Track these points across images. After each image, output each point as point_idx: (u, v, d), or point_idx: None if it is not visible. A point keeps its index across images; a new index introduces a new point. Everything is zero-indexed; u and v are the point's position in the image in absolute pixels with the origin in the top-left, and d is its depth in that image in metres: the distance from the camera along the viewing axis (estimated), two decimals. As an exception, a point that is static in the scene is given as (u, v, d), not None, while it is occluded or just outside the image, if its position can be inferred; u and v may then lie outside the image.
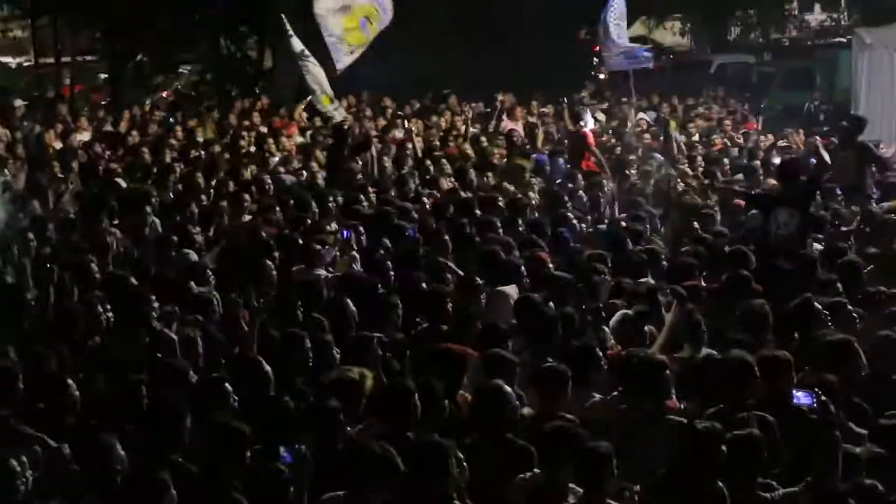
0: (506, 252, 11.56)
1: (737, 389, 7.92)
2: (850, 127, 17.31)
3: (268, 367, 8.32)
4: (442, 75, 31.06)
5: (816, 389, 7.35)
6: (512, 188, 15.71)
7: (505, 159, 18.86)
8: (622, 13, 21.65)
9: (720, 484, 6.88)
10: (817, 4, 45.67)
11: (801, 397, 7.32)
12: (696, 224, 13.60)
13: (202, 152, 19.83)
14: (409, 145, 19.50)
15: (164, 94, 31.07)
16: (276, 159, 19.46)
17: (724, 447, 6.90)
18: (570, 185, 16.21)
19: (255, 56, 34.44)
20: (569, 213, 14.00)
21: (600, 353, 8.71)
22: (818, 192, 13.70)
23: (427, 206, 14.70)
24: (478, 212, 13.86)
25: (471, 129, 22.70)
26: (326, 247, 12.26)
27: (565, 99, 24.53)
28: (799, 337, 9.26)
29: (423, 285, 10.62)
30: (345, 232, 12.61)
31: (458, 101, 27.54)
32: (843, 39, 33.57)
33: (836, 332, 8.82)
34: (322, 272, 11.71)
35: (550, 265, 11.45)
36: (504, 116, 23.56)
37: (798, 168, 13.22)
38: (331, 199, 14.46)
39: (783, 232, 12.25)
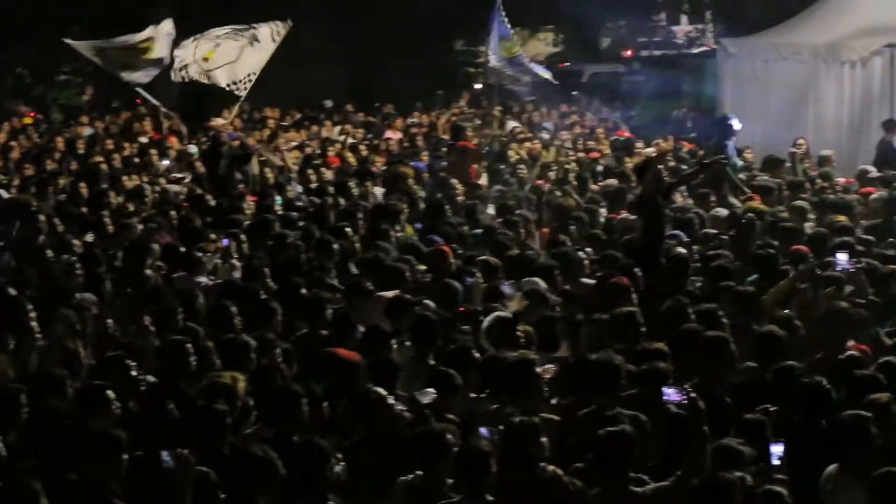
0: (388, 258, 11.72)
1: (605, 389, 8.19)
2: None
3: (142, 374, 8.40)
4: (322, 86, 31.13)
5: (686, 387, 7.59)
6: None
7: (385, 167, 19.04)
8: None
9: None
10: (684, 16, 46.50)
11: (670, 394, 7.54)
12: (570, 227, 13.94)
13: (82, 162, 19.74)
14: (284, 156, 19.57)
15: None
16: (162, 167, 19.44)
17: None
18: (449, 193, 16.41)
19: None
20: (449, 220, 14.23)
21: (476, 355, 8.88)
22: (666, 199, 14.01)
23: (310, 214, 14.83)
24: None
25: (351, 139, 22.81)
26: (207, 254, 12.32)
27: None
28: (671, 337, 9.49)
29: (304, 291, 10.73)
30: (224, 240, 12.71)
31: (338, 110, 27.62)
32: (710, 49, 34.27)
33: (707, 331, 9.06)
34: (203, 279, 11.79)
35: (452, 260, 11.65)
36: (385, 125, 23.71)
37: (648, 167, 13.51)
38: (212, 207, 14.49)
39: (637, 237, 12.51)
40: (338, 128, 25.63)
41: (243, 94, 19.10)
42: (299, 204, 15.63)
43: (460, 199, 16.07)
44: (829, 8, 24.35)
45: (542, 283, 10.99)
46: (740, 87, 25.50)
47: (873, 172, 17.35)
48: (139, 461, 7.20)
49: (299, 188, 16.98)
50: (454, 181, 17.05)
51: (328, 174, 18.56)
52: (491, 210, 15.56)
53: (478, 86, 34.96)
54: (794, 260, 11.81)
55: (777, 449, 7.39)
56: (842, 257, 11.25)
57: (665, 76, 34.51)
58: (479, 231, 13.85)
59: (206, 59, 18.93)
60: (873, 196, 15.48)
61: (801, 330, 9.99)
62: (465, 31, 37.45)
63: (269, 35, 19.13)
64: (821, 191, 16.30)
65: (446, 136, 21.35)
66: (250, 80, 18.92)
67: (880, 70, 22.66)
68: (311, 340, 9.78)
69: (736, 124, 18.40)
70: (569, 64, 38.84)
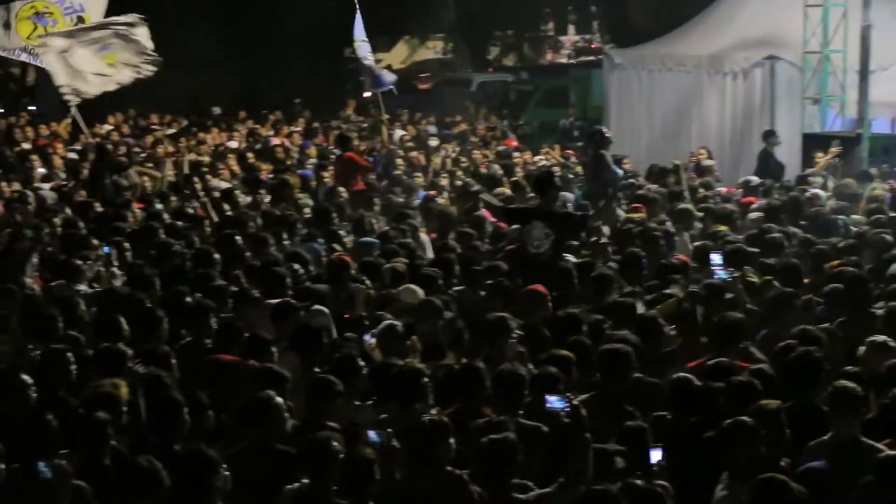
0: (276, 266, 11.71)
1: (472, 395, 8.29)
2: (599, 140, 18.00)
3: (29, 381, 8.26)
4: (210, 92, 30.93)
5: (568, 394, 7.66)
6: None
7: (271, 175, 18.97)
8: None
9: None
10: (572, 26, 46.94)
11: (553, 401, 7.61)
12: (468, 232, 14.02)
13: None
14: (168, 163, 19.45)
15: None
16: (39, 174, 19.15)
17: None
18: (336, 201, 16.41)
19: (19, 74, 33.68)
20: (336, 228, 14.22)
21: (361, 362, 8.91)
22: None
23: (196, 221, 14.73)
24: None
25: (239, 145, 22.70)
26: (88, 262, 12.18)
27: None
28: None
29: (188, 299, 10.66)
30: (105, 248, 12.58)
31: (226, 117, 27.46)
32: (596, 59, 34.65)
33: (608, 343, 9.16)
34: (84, 287, 11.64)
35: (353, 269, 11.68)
36: (271, 132, 23.60)
37: (552, 181, 13.59)
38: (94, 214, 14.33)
39: (537, 250, 12.56)
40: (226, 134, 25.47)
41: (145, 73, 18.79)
42: (189, 212, 15.49)
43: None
44: (712, 20, 24.78)
45: (420, 292, 11.03)
46: (626, 97, 25.84)
47: (755, 181, 17.67)
48: (16, 472, 7.09)
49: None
50: (341, 189, 17.05)
51: (215, 181, 18.42)
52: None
53: (367, 94, 34.96)
54: (675, 270, 11.97)
55: (656, 455, 7.48)
56: (716, 258, 11.47)
57: (552, 85, 34.85)
58: (366, 240, 13.84)
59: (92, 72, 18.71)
60: (754, 206, 15.77)
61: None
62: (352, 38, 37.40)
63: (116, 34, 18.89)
64: (702, 200, 16.54)
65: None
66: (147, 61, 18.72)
67: (761, 81, 23.09)
68: (195, 348, 9.70)
69: (609, 134, 18.65)
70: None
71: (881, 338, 9.21)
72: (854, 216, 15.25)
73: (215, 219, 15.28)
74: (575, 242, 13.35)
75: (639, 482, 6.86)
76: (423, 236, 14.71)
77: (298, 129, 27.02)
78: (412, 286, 11.20)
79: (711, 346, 9.58)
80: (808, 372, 8.37)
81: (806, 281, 11.70)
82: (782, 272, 11.63)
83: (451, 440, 7.34)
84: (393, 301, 10.96)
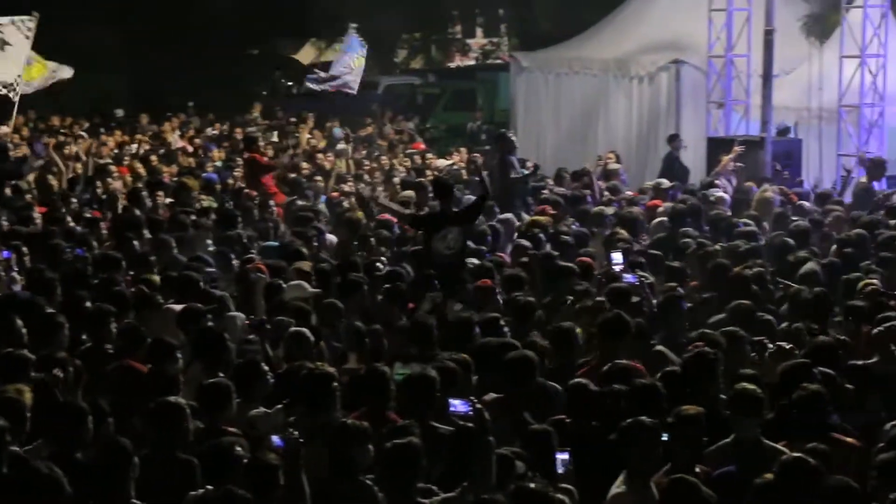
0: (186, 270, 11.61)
1: (377, 399, 8.27)
2: (504, 144, 18.06)
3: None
4: (114, 94, 30.58)
5: (472, 398, 7.64)
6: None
7: (175, 178, 18.78)
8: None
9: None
10: (479, 29, 47.05)
11: (457, 405, 7.59)
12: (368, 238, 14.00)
13: None
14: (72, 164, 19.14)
15: None
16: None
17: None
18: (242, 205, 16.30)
19: None
20: (241, 231, 14.10)
21: (265, 367, 8.83)
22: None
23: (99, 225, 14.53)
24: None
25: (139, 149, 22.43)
26: (-13, 267, 11.97)
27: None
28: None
29: (88, 304, 10.49)
30: (5, 252, 12.34)
31: (130, 119, 27.16)
32: (503, 62, 34.78)
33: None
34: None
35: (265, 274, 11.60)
36: (177, 135, 23.37)
37: (450, 186, 13.67)
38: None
39: (449, 251, 12.60)
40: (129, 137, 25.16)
41: (16, 97, 18.50)
42: (87, 216, 15.28)
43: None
44: (618, 24, 24.97)
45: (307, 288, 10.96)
46: (533, 101, 25.99)
47: (665, 184, 17.83)
48: None
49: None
50: (248, 192, 16.93)
51: (117, 184, 18.17)
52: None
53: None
54: (580, 271, 12.04)
55: (563, 458, 7.49)
56: (616, 257, 11.54)
57: (460, 89, 34.89)
58: (268, 244, 13.74)
59: None
60: (660, 209, 15.89)
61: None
62: (258, 41, 37.31)
63: (18, 32, 18.57)
64: (608, 203, 16.64)
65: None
66: (17, 84, 18.38)
67: (666, 85, 23.34)
68: (95, 354, 9.56)
69: (514, 138, 18.73)
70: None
71: (785, 344, 9.29)
72: (744, 219, 15.44)
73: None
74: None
75: (531, 485, 6.84)
76: (331, 238, 14.66)
77: (216, 132, 26.80)
78: (300, 282, 11.16)
79: (602, 346, 9.60)
80: (707, 374, 8.44)
81: (694, 284, 11.80)
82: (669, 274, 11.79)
83: (370, 446, 7.31)
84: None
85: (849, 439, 7.85)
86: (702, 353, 8.72)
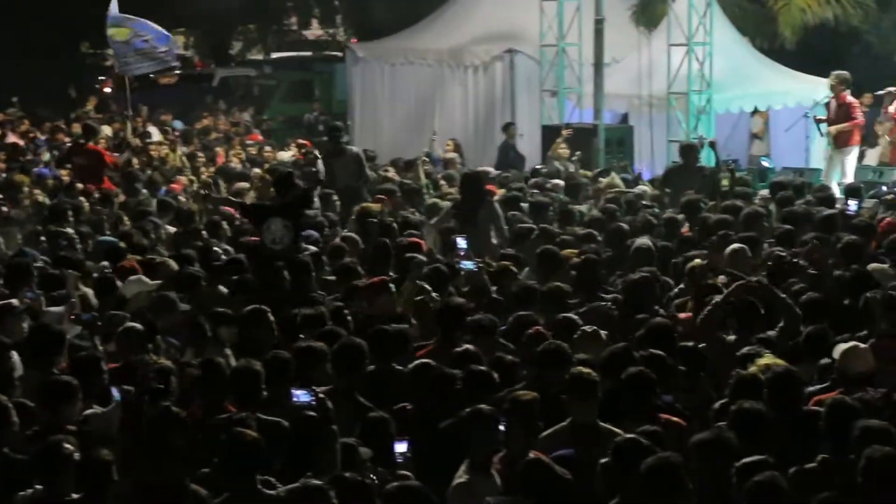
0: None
1: (213, 391, 8.23)
2: (337, 135, 18.03)
3: None
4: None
5: (314, 387, 7.64)
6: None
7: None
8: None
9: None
10: (315, 20, 46.89)
11: (299, 395, 7.58)
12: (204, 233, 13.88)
13: None
14: None
15: None
16: None
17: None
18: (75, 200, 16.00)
19: None
20: (68, 230, 13.85)
21: (103, 365, 8.71)
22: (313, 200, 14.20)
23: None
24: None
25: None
26: None
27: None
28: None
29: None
30: None
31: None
32: (340, 54, 34.73)
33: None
34: None
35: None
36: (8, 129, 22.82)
37: (291, 179, 13.62)
38: None
39: (278, 246, 12.52)
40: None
41: None
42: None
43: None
44: (452, 14, 25.11)
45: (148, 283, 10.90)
46: (369, 91, 26.01)
47: (494, 173, 17.99)
48: None
49: None
50: (81, 187, 16.63)
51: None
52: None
53: (107, 89, 34.23)
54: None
55: (401, 447, 7.54)
56: (461, 242, 11.63)
57: (297, 80, 34.74)
58: (103, 239, 13.53)
59: None
60: (496, 197, 16.03)
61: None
62: (91, 34, 36.63)
63: None
64: (445, 195, 16.74)
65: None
66: None
67: (501, 74, 23.57)
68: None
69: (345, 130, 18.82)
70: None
71: (589, 328, 9.40)
72: (583, 206, 15.68)
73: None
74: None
75: (346, 474, 6.90)
76: (170, 229, 14.51)
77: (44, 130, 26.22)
78: (139, 277, 11.09)
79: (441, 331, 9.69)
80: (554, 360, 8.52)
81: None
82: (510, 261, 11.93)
83: (188, 435, 7.28)
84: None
85: (675, 419, 8.01)
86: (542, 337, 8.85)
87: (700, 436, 7.18)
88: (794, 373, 8.09)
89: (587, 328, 9.36)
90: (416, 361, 8.62)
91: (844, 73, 18.40)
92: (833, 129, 18.07)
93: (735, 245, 11.56)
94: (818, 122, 18.36)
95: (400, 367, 8.95)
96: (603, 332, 9.34)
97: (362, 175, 17.39)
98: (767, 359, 8.41)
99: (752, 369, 8.27)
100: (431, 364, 8.55)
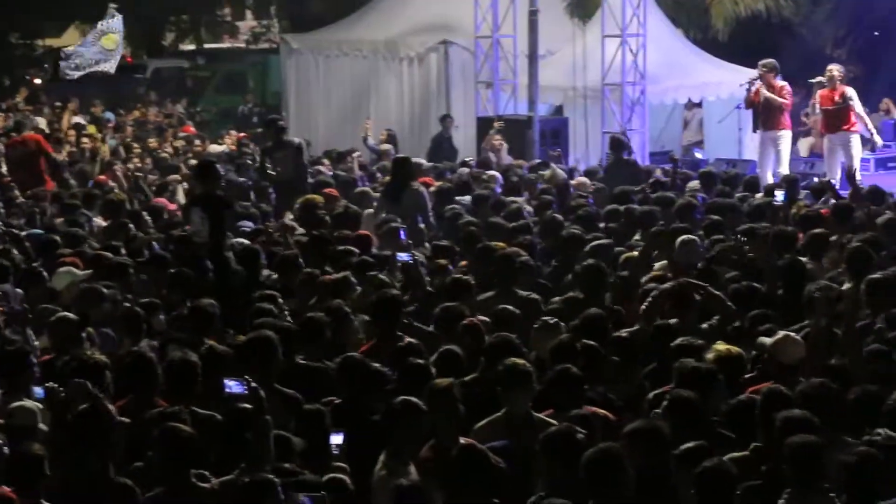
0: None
1: (144, 385, 8.15)
2: (278, 128, 17.91)
3: None
4: None
5: (247, 377, 7.58)
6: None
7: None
8: None
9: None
10: (249, 11, 46.63)
11: (232, 386, 7.52)
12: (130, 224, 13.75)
13: None
14: None
15: None
16: None
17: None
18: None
19: None
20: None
21: (33, 359, 8.60)
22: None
23: None
24: None
25: None
26: None
27: None
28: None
29: None
30: None
31: None
32: (274, 45, 34.59)
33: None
34: None
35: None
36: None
37: (213, 169, 13.45)
38: None
39: (197, 238, 12.40)
40: None
41: None
42: None
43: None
44: (387, 5, 25.07)
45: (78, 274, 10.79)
46: (304, 83, 25.92)
47: (425, 164, 17.99)
48: None
49: None
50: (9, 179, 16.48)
51: None
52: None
53: (37, 81, 33.88)
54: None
55: (336, 439, 7.50)
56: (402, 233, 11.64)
57: (230, 71, 34.56)
58: (34, 232, 13.39)
59: None
60: (432, 189, 16.01)
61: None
62: (20, 24, 36.27)
63: None
64: (377, 188, 16.70)
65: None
66: None
67: (436, 66, 23.54)
68: None
69: (282, 122, 18.70)
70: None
71: (550, 319, 9.45)
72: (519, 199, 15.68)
73: None
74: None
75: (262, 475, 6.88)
76: (99, 222, 14.38)
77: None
78: (69, 268, 11.01)
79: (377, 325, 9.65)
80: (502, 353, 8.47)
81: (464, 263, 11.92)
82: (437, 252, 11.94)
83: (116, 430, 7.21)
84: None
85: (601, 412, 8.01)
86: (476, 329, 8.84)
87: (633, 425, 7.21)
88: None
89: (548, 319, 9.37)
90: (342, 356, 8.56)
91: (772, 60, 18.56)
92: (766, 93, 18.19)
93: (685, 237, 11.57)
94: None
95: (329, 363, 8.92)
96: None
97: (302, 166, 17.28)
98: (721, 345, 8.46)
99: (710, 356, 8.31)
100: (356, 358, 8.50)
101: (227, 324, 9.79)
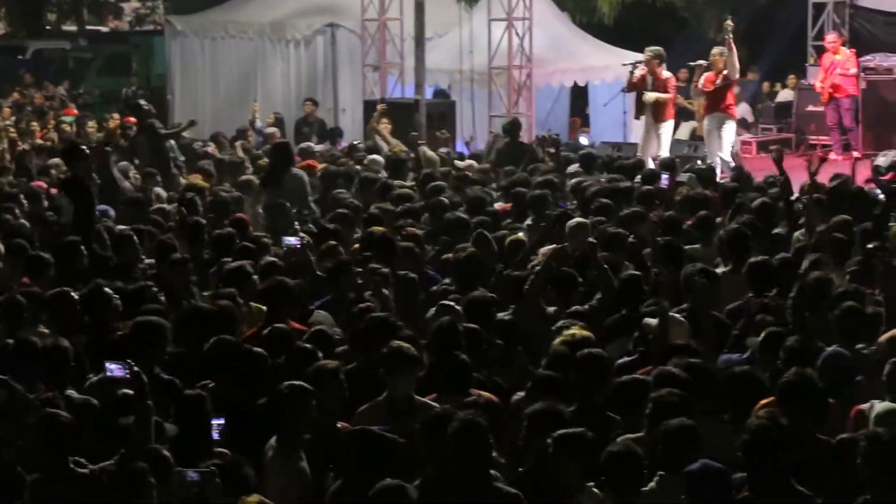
0: None
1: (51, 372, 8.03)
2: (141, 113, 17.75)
3: None
4: None
5: (129, 360, 7.48)
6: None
7: None
8: None
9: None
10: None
11: (113, 370, 7.41)
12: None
13: None
14: None
15: None
16: None
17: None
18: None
19: None
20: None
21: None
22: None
23: None
24: None
25: None
26: None
27: None
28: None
29: None
30: None
31: None
32: (158, 27, 34.16)
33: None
34: None
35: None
36: None
37: (78, 150, 13.17)
38: None
39: (62, 220, 12.18)
40: None
41: None
42: None
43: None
44: (273, -13, 24.88)
45: None
46: (189, 65, 25.61)
47: (316, 149, 17.92)
48: None
49: None
50: None
51: None
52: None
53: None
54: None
55: (218, 422, 7.43)
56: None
57: (114, 53, 34.06)
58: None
59: None
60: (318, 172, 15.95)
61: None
62: None
63: None
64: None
65: None
66: None
67: (323, 49, 23.44)
68: None
69: (148, 107, 18.51)
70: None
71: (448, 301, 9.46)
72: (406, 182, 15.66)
73: None
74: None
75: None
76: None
77: None
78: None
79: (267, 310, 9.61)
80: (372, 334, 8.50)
81: (356, 247, 11.87)
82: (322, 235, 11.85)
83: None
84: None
85: (485, 394, 8.01)
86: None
87: (533, 407, 7.24)
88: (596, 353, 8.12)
89: (447, 302, 9.36)
90: (213, 339, 8.48)
91: (659, 48, 18.69)
92: (651, 96, 18.29)
93: (576, 219, 11.59)
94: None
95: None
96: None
97: (161, 150, 17.03)
98: (575, 330, 8.51)
99: (558, 341, 8.36)
100: (228, 340, 8.42)
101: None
